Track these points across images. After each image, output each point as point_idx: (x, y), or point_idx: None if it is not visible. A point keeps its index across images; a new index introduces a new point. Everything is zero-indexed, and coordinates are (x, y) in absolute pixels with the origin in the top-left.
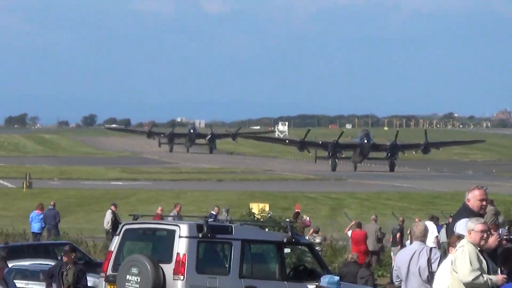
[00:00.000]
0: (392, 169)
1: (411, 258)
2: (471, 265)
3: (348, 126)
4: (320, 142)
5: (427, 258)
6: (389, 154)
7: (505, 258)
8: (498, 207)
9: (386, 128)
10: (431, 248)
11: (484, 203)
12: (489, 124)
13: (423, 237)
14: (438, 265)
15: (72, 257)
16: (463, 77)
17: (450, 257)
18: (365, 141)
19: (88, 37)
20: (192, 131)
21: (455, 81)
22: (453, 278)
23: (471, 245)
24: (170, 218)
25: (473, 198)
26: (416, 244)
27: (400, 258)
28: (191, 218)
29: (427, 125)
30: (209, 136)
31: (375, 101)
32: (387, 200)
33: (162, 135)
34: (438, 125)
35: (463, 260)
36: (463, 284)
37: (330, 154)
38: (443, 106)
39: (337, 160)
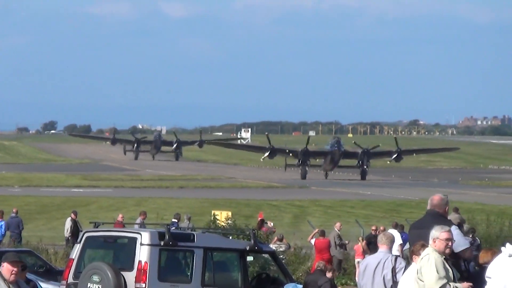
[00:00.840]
0: (363, 177)
1: (376, 267)
2: (437, 273)
3: (312, 133)
4: (289, 150)
5: (392, 268)
6: (360, 162)
7: (480, 258)
8: (463, 215)
9: (350, 135)
10: (396, 257)
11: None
12: (454, 131)
13: (390, 245)
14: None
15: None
16: (428, 83)
17: (413, 265)
18: (336, 148)
19: (46, 41)
20: (158, 138)
21: (420, 88)
22: (419, 287)
23: (436, 253)
24: (136, 226)
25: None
26: (381, 253)
27: (366, 267)
28: (154, 226)
29: (392, 132)
30: (175, 143)
31: (339, 108)
32: (351, 208)
33: (127, 143)
34: (403, 132)
35: (429, 269)
36: None
37: (300, 161)
38: (408, 113)
39: (307, 168)
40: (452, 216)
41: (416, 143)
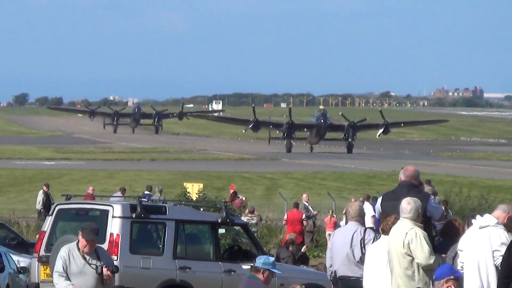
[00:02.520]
0: (350, 150)
1: (346, 239)
2: (429, 248)
3: (283, 105)
4: (274, 122)
5: (361, 239)
6: (347, 135)
7: (445, 230)
8: (435, 187)
9: (322, 107)
10: (365, 229)
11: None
12: (426, 103)
13: (358, 217)
14: None
15: None
16: (399, 55)
17: (384, 238)
18: (322, 121)
19: (17, 14)
20: (137, 111)
21: (392, 60)
22: (406, 261)
23: (418, 228)
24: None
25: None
26: (352, 225)
27: (335, 239)
28: (125, 199)
29: (363, 104)
30: (155, 116)
31: (310, 80)
32: (323, 180)
33: (106, 116)
34: (375, 104)
35: (420, 244)
36: (422, 267)
37: (285, 134)
38: (379, 85)
39: (292, 141)
40: (425, 188)
41: (387, 115)
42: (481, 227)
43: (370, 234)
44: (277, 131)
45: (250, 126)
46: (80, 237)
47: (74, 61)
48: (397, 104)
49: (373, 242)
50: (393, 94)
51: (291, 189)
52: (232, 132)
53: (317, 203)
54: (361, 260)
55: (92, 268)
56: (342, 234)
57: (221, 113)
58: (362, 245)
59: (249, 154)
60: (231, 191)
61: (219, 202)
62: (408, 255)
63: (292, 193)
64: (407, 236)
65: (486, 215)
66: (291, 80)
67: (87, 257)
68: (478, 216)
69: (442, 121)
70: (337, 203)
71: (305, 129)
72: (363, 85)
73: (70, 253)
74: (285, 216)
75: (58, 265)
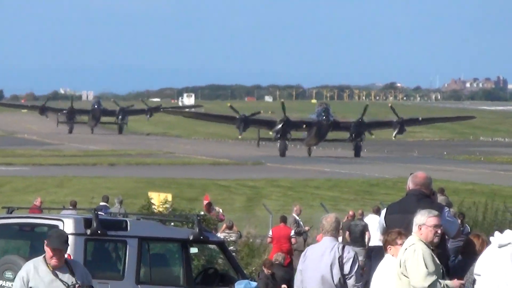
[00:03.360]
0: (357, 153)
1: (321, 258)
2: (426, 268)
3: (268, 98)
4: (265, 119)
5: (339, 257)
6: (353, 135)
7: (466, 248)
8: (450, 197)
9: (314, 101)
10: (343, 246)
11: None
12: (439, 96)
13: (334, 231)
14: (351, 267)
15: None
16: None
17: (388, 258)
18: (324, 117)
19: None
20: (96, 106)
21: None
22: (402, 283)
23: (422, 244)
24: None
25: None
26: (327, 241)
27: (308, 259)
28: (79, 211)
29: (364, 97)
30: (120, 113)
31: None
32: (316, 188)
33: (59, 112)
34: (377, 97)
35: (416, 262)
36: None
37: (279, 134)
38: (383, 75)
39: (287, 143)
40: (439, 197)
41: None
42: (500, 246)
43: (349, 252)
44: (271, 132)
45: (237, 124)
46: (45, 247)
47: (16, 47)
48: (404, 98)
49: (353, 261)
50: (399, 85)
51: (277, 200)
52: (207, 131)
53: (308, 216)
54: (340, 283)
55: (64, 286)
56: (315, 252)
57: (194, 108)
58: (341, 264)
59: (227, 157)
60: (205, 202)
61: (191, 215)
62: (405, 275)
63: (279, 205)
64: (405, 253)
65: (507, 231)
66: (278, 70)
67: (58, 273)
68: (496, 233)
69: (469, 118)
70: None
71: (304, 128)
72: (363, 75)
73: (34, 270)
74: (270, 232)
75: None
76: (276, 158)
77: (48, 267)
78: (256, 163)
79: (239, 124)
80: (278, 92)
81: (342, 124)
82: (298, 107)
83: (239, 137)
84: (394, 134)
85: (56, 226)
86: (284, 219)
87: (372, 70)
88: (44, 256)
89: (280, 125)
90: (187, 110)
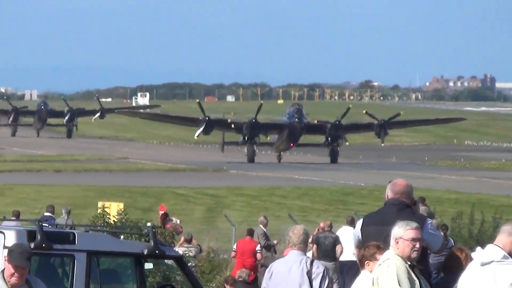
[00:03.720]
0: (334, 159)
1: (288, 273)
2: (399, 286)
3: (231, 98)
4: (232, 121)
5: (307, 272)
6: (329, 139)
7: (448, 263)
8: (431, 207)
9: (281, 101)
10: (312, 261)
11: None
12: (419, 96)
13: (302, 245)
14: (321, 283)
15: None
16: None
17: (364, 274)
18: (297, 119)
19: None
20: (42, 107)
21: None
22: None
23: (398, 259)
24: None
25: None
26: (294, 255)
27: (273, 275)
28: (22, 222)
29: (336, 97)
30: (68, 114)
31: (266, 67)
32: (283, 198)
33: (1, 114)
34: (352, 97)
35: (388, 279)
36: None
37: (246, 138)
38: (357, 73)
39: (255, 147)
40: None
41: (371, 111)
42: (483, 264)
43: (318, 267)
44: (244, 137)
45: (202, 127)
46: (5, 262)
47: None
48: (381, 97)
49: (323, 276)
50: (375, 84)
51: (241, 210)
52: (163, 134)
53: (275, 228)
54: None
55: None
56: (282, 267)
57: (148, 109)
58: (310, 280)
59: (185, 163)
60: (161, 212)
61: (146, 227)
62: None
63: (242, 216)
64: (379, 269)
65: (489, 247)
66: (241, 68)
67: None
68: (478, 249)
69: (459, 120)
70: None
71: (274, 131)
72: (336, 73)
73: None
74: (235, 246)
75: None
76: (243, 164)
77: (7, 285)
78: (217, 169)
79: (203, 126)
80: (241, 91)
81: (317, 127)
82: (264, 107)
83: (195, 137)
84: (381, 141)
85: None
86: (250, 232)
87: (345, 68)
88: (3, 271)
89: (247, 128)
90: (144, 111)
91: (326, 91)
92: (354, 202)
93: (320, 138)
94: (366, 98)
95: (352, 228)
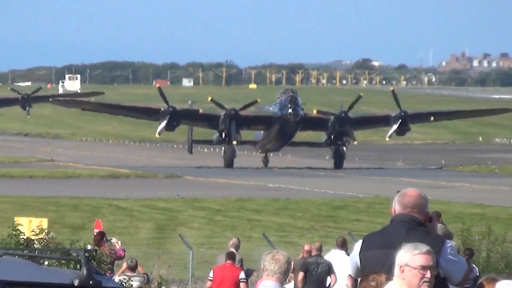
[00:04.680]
0: (338, 163)
1: None
2: None
3: (187, 82)
4: (204, 113)
5: None
6: (333, 137)
7: None
8: (450, 225)
9: (253, 86)
10: None
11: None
12: (434, 79)
13: (282, 275)
14: None
15: None
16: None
17: None
18: (291, 111)
19: None
20: None
21: (373, 8)
22: None
23: None
24: None
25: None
26: (271, 286)
27: None
28: None
29: (324, 81)
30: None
31: (232, 43)
32: (256, 213)
33: None
34: (344, 81)
35: None
36: None
37: (224, 135)
38: (352, 50)
39: (235, 147)
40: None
41: (369, 99)
42: None
43: None
44: (221, 133)
45: (165, 121)
46: None
47: None
48: (384, 81)
49: None
50: (376, 63)
51: (201, 228)
52: (98, 130)
53: (246, 252)
54: None
55: None
56: None
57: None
58: None
59: (128, 168)
60: (96, 231)
61: (76, 250)
62: None
63: (202, 236)
64: None
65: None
66: (200, 43)
67: None
68: (502, 284)
69: (502, 111)
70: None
71: (260, 126)
72: (324, 50)
73: None
74: (211, 274)
75: None
76: (220, 170)
77: None
78: (170, 175)
79: (166, 119)
80: (201, 73)
81: (316, 121)
82: (231, 94)
83: (157, 135)
84: (389, 135)
85: None
86: (231, 256)
87: (336, 43)
88: None
89: (225, 122)
90: (87, 100)
91: (312, 73)
92: (347, 218)
93: (321, 135)
94: (364, 81)
95: (343, 252)
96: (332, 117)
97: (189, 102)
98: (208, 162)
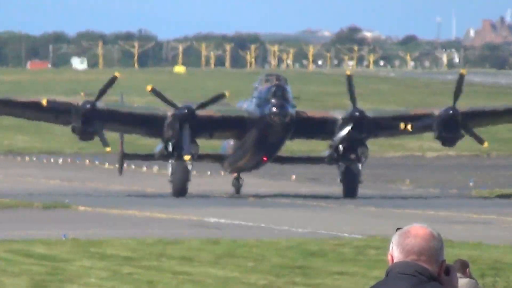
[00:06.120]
0: (351, 189)
1: None
2: None
3: (79, 62)
4: (140, 114)
5: None
6: (341, 148)
7: None
8: (482, 279)
9: (180, 69)
10: None
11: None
12: (457, 58)
13: None
14: None
15: None
16: None
17: None
18: (275, 109)
19: None
20: None
21: None
22: None
23: None
24: None
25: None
26: None
27: None
28: None
29: (290, 61)
30: None
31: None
32: (186, 262)
33: None
34: (321, 61)
35: None
36: None
37: (172, 147)
38: (332, 16)
39: (189, 165)
40: (459, 281)
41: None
42: None
43: None
44: (166, 144)
45: (79, 124)
46: None
47: None
48: (381, 61)
49: None
50: (368, 34)
51: (100, 286)
52: None
53: None
54: None
55: None
56: None
57: None
58: None
59: None
60: None
61: None
62: None
63: None
64: None
65: None
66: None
67: None
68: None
69: None
70: None
71: (228, 132)
72: (290, 16)
73: None
74: None
75: None
76: (167, 199)
77: None
78: (52, 205)
79: (79, 122)
80: (100, 49)
81: (317, 124)
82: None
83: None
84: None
85: None
86: None
87: (306, 5)
88: None
89: (174, 126)
90: None
91: (271, 48)
92: (325, 270)
93: (323, 146)
94: (350, 62)
95: None
96: (340, 118)
97: (82, 93)
98: (146, 186)
